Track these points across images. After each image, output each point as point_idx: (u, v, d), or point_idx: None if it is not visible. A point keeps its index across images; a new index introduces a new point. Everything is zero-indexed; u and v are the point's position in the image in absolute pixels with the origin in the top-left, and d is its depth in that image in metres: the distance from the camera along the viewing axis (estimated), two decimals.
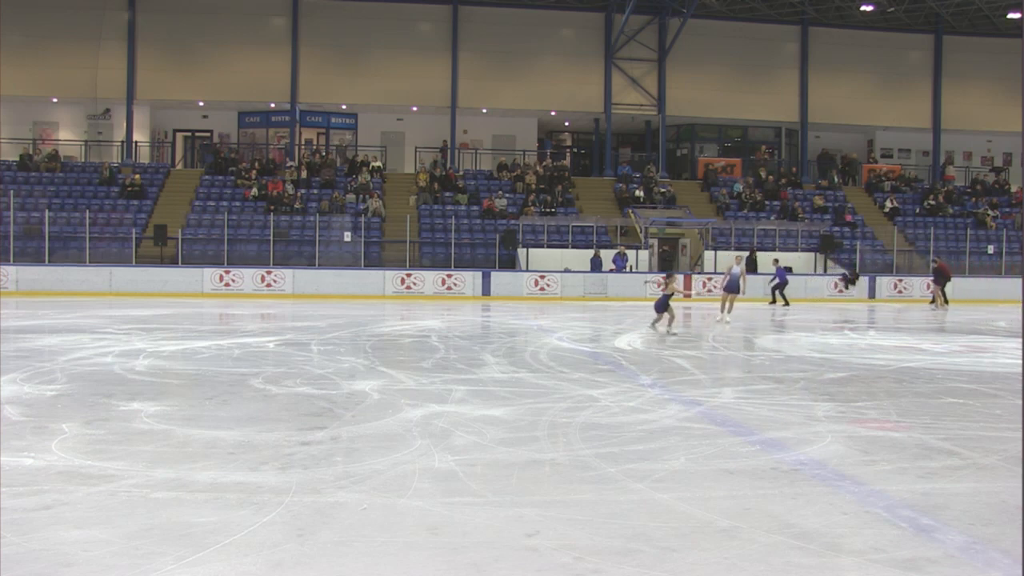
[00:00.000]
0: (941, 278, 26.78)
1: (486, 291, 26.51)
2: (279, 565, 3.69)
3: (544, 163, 34.32)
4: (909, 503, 4.69)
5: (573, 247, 29.48)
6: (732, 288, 17.57)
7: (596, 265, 27.53)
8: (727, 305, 17.56)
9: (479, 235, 29.57)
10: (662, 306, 14.98)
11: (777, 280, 25.49)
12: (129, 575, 3.56)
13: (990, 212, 33.95)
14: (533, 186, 32.36)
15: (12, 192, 27.98)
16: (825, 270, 29.83)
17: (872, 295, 28.70)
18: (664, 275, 16.21)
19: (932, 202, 34.45)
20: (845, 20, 36.13)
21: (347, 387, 8.35)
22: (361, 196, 30.73)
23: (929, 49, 37.01)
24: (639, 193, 32.49)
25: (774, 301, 25.50)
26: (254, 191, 30.36)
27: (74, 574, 3.57)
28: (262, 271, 26.05)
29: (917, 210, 34.37)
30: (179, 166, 35.11)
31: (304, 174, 31.79)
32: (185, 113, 35.06)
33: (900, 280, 29.28)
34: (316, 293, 25.55)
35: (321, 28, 33.51)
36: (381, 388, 8.30)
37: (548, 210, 30.89)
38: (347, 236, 28.21)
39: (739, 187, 33.75)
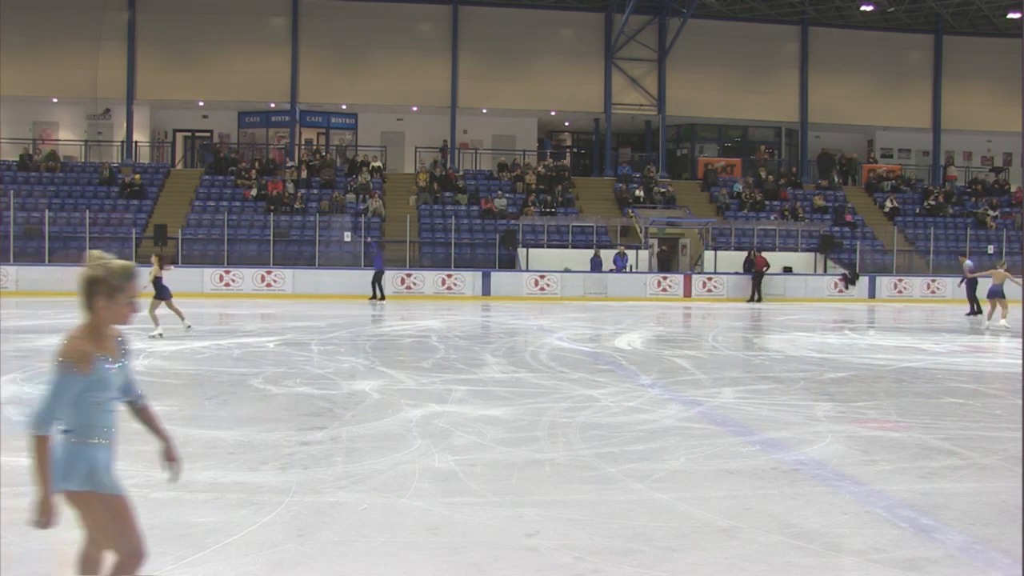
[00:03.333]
0: (756, 274, 26.97)
1: (486, 291, 26.49)
2: (279, 565, 3.69)
3: (544, 163, 34.31)
4: (909, 503, 4.69)
5: (573, 247, 29.46)
6: (996, 293, 16.58)
7: (596, 265, 27.52)
8: (1000, 310, 16.40)
9: (479, 235, 29.56)
10: (166, 292, 13.53)
11: (375, 267, 24.44)
12: None
13: (990, 212, 33.92)
14: (533, 186, 32.36)
15: (12, 192, 27.95)
16: (825, 270, 29.82)
17: (872, 295, 28.69)
18: (156, 256, 14.16)
19: (932, 202, 34.44)
20: (845, 20, 36.12)
21: (347, 387, 8.35)
22: (361, 196, 30.73)
23: (929, 49, 36.99)
24: (639, 193, 32.48)
25: (373, 297, 24.26)
26: (254, 191, 30.36)
27: (74, 574, 3.57)
28: (262, 271, 26.03)
29: (917, 210, 34.36)
30: (179, 166, 35.10)
31: (304, 174, 31.79)
32: (185, 113, 35.05)
33: (900, 280, 29.27)
34: (316, 293, 25.52)
35: (321, 28, 33.50)
36: (381, 388, 8.30)
37: (548, 210, 30.88)
38: (347, 236, 28.19)
39: (739, 187, 33.73)
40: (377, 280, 24.22)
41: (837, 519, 4.40)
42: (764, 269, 27.11)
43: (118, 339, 2.94)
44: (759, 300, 26.65)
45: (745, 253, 28.64)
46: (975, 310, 20.88)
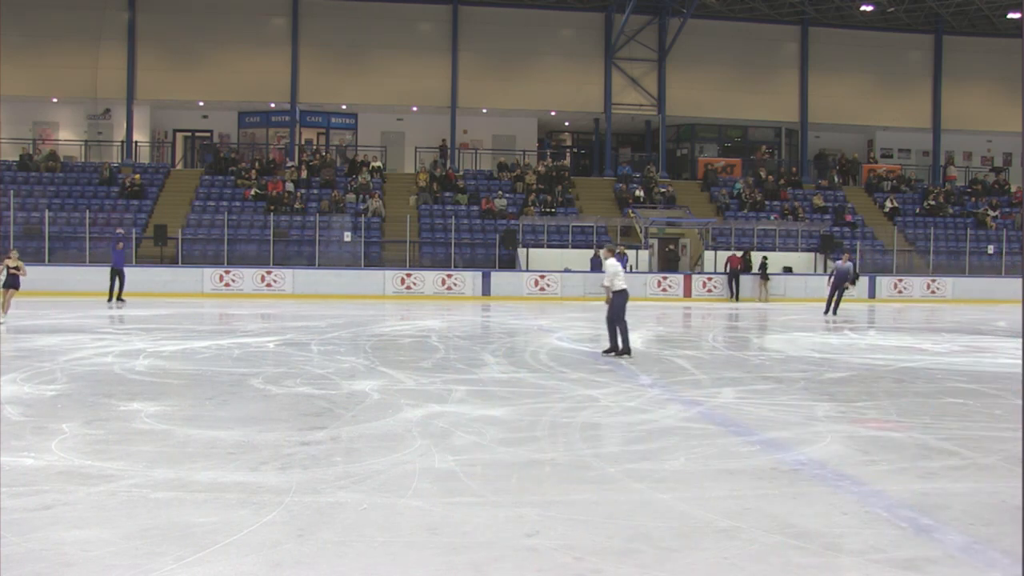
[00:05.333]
0: (731, 273, 27.14)
1: (486, 291, 26.50)
2: (279, 565, 3.69)
3: (544, 163, 34.31)
4: (909, 503, 4.69)
5: (573, 247, 29.46)
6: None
7: (596, 265, 27.48)
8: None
9: (479, 235, 29.56)
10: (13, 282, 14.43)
11: (112, 264, 21.80)
12: (129, 575, 3.56)
13: (990, 212, 33.93)
14: (533, 186, 32.36)
15: (12, 192, 27.96)
16: (825, 270, 29.81)
17: (872, 295, 28.69)
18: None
19: (932, 202, 34.44)
20: (845, 20, 36.12)
21: (347, 387, 8.35)
22: (361, 196, 30.73)
23: (929, 49, 37.00)
24: (639, 193, 32.48)
25: (111, 297, 21.58)
26: (254, 191, 30.36)
27: (74, 574, 3.57)
28: (262, 271, 26.04)
29: (917, 210, 34.37)
30: (179, 166, 35.10)
31: (304, 174, 31.79)
32: (185, 113, 35.05)
33: (900, 280, 29.27)
34: (316, 293, 25.54)
35: (321, 28, 33.50)
36: (381, 388, 8.30)
37: (548, 210, 30.88)
38: (347, 236, 28.19)
39: (739, 187, 33.73)
40: (114, 278, 21.65)
41: (837, 519, 4.40)
42: (738, 268, 27.18)
43: None
44: (735, 299, 26.70)
45: (742, 254, 28.67)
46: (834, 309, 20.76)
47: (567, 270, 27.48)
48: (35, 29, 32.04)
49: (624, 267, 27.27)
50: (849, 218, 32.53)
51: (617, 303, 11.19)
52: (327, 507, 4.46)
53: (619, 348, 11.17)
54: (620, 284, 11.21)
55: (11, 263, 15.53)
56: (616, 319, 11.19)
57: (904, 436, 6.46)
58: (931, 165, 37.82)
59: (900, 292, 28.95)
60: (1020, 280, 28.88)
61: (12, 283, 15.47)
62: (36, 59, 31.96)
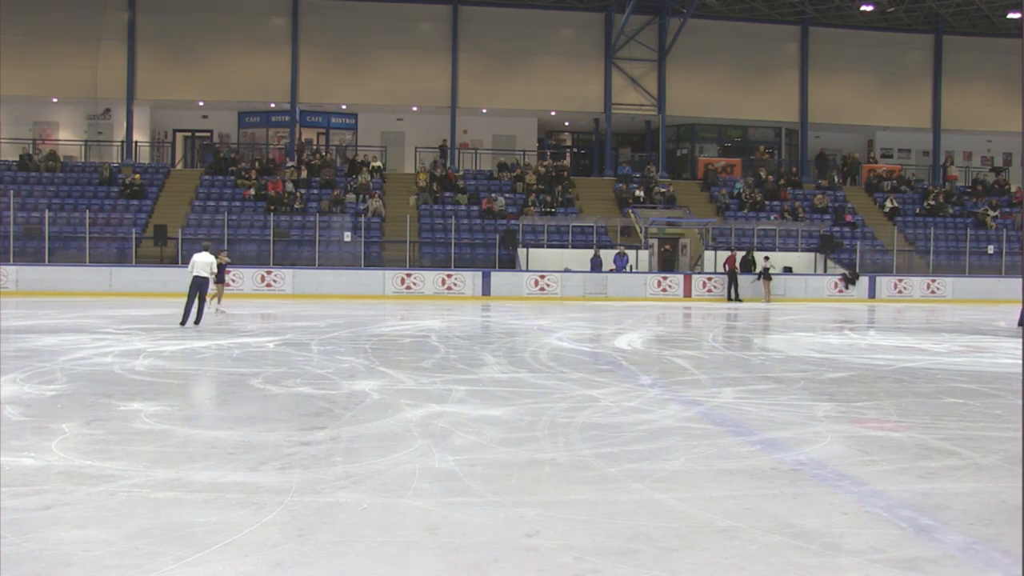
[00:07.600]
0: (728, 273, 26.89)
1: (486, 291, 26.50)
2: (279, 565, 3.68)
3: (544, 163, 34.31)
4: (909, 503, 4.69)
5: (573, 247, 29.47)
6: None
7: (596, 265, 27.52)
8: None
9: (479, 235, 29.56)
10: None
11: None
12: (129, 575, 3.56)
13: (990, 212, 33.93)
14: (533, 186, 32.36)
15: (12, 192, 27.96)
16: (825, 270, 29.82)
17: (872, 295, 28.69)
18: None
19: (932, 202, 34.44)
20: (845, 20, 36.12)
21: (347, 387, 8.35)
22: (361, 196, 30.73)
23: (929, 49, 37.00)
24: (639, 193, 32.48)
25: None
26: (254, 191, 30.35)
27: (74, 574, 3.57)
28: (262, 271, 26.04)
29: (917, 210, 34.37)
30: (179, 166, 35.11)
31: (304, 174, 31.79)
32: (185, 113, 35.05)
33: (900, 280, 29.28)
34: (316, 293, 25.54)
35: (321, 28, 33.51)
36: (381, 388, 8.30)
37: (548, 210, 30.88)
38: (347, 236, 28.20)
39: (739, 187, 33.72)
40: None
41: (837, 519, 4.40)
42: (735, 268, 27.11)
43: None
44: (735, 299, 26.60)
45: (743, 253, 28.66)
46: None
47: (567, 270, 27.48)
48: (35, 29, 32.05)
49: (624, 267, 27.56)
50: (849, 218, 32.53)
51: (193, 285, 14.44)
52: (327, 507, 4.46)
53: (186, 320, 14.40)
54: (193, 272, 14.42)
55: (221, 260, 18.87)
56: (191, 298, 14.45)
57: (904, 436, 6.46)
58: (931, 165, 37.82)
59: (900, 292, 28.95)
60: (1020, 280, 28.88)
61: (221, 278, 18.99)
62: (36, 59, 31.97)
